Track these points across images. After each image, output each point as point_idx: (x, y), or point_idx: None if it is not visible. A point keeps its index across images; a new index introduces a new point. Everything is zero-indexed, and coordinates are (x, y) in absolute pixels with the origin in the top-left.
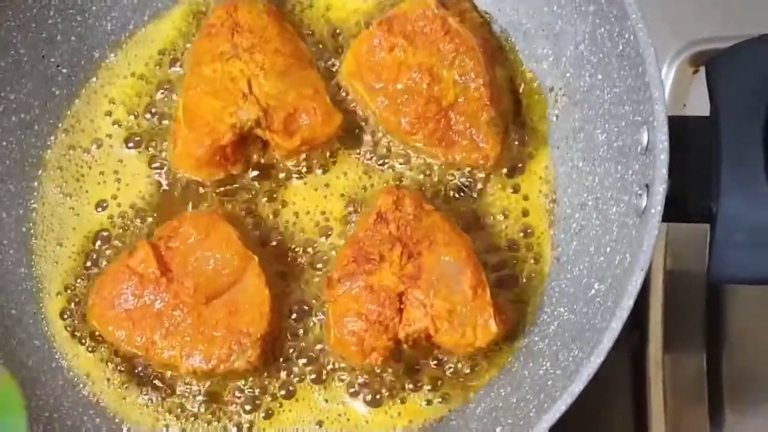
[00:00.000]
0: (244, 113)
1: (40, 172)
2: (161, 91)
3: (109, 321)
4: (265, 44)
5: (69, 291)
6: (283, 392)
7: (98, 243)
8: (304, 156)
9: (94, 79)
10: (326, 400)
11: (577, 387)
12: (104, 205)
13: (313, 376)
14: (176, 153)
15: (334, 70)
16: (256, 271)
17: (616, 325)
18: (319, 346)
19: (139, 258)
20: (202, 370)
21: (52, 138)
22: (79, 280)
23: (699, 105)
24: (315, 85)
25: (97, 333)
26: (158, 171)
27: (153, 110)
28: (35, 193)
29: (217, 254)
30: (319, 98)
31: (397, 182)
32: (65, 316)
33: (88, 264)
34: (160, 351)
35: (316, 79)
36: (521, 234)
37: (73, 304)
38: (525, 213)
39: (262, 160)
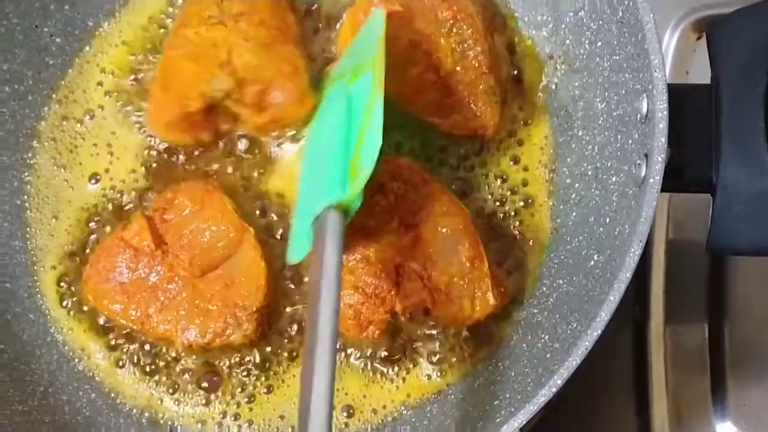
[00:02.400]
0: (219, 82)
1: (34, 143)
2: (153, 59)
3: (104, 294)
4: (253, 14)
5: (64, 264)
6: (280, 366)
7: (93, 216)
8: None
9: (88, 48)
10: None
11: (574, 361)
12: (97, 177)
13: None
14: (149, 114)
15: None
16: (252, 243)
17: (614, 298)
18: None
19: (134, 230)
20: (197, 344)
21: (46, 109)
22: (74, 254)
23: (702, 72)
24: (295, 63)
25: (92, 307)
26: (151, 142)
27: (144, 80)
28: (30, 165)
29: (212, 226)
30: (297, 77)
31: (395, 152)
32: (60, 290)
33: (84, 237)
34: (156, 325)
35: (297, 56)
36: (520, 204)
37: (68, 278)
38: (524, 183)
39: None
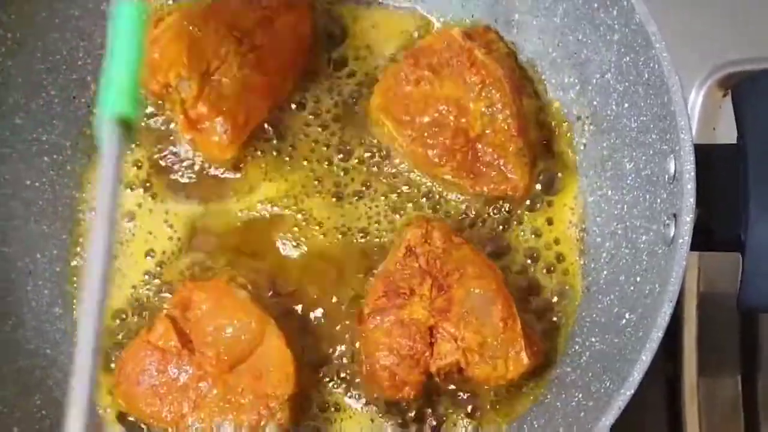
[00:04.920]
0: (185, 87)
1: (72, 213)
2: None
3: (136, 399)
4: (265, 54)
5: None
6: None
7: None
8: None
9: None
10: (372, 420)
11: (608, 420)
12: (152, 254)
13: (348, 406)
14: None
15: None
16: (275, 332)
17: (646, 358)
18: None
19: (159, 332)
20: None
21: (86, 182)
22: (118, 319)
23: (729, 129)
24: (248, 118)
25: (125, 411)
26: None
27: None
28: (70, 233)
29: (234, 321)
30: (238, 129)
31: (426, 215)
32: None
33: (131, 301)
34: (191, 424)
35: (257, 114)
36: (552, 263)
37: (111, 345)
38: (555, 242)
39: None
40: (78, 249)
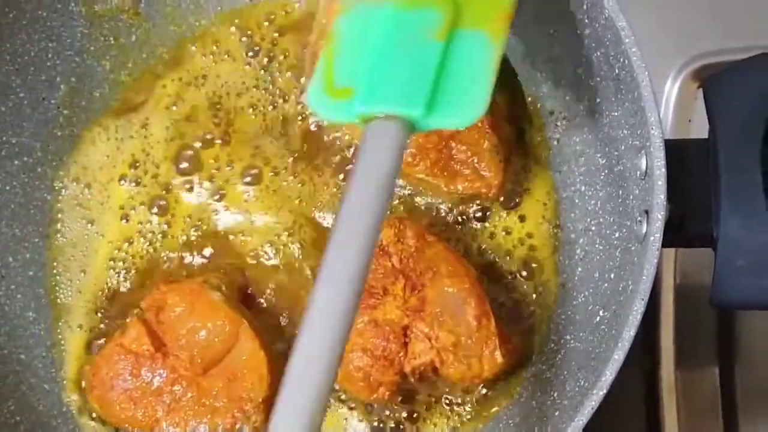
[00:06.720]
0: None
1: (48, 217)
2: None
3: (111, 403)
4: None
5: (91, 326)
6: None
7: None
8: None
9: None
10: (345, 419)
11: (581, 420)
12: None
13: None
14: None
15: None
16: (249, 335)
17: (619, 357)
18: None
19: (132, 336)
20: None
21: (59, 183)
22: (101, 314)
23: (705, 121)
24: None
25: (99, 415)
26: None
27: None
28: (43, 237)
29: (207, 323)
30: None
31: (399, 214)
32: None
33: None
34: (166, 428)
35: None
36: (525, 261)
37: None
38: (529, 237)
39: None
40: (46, 243)
